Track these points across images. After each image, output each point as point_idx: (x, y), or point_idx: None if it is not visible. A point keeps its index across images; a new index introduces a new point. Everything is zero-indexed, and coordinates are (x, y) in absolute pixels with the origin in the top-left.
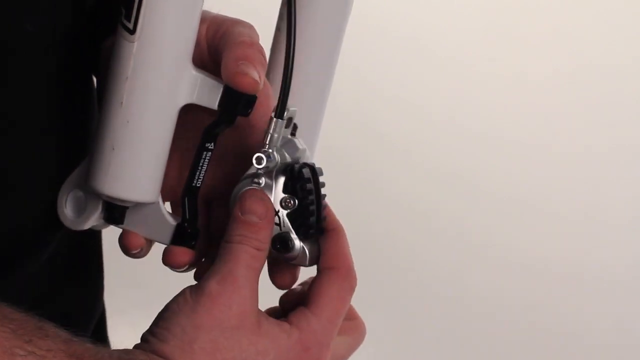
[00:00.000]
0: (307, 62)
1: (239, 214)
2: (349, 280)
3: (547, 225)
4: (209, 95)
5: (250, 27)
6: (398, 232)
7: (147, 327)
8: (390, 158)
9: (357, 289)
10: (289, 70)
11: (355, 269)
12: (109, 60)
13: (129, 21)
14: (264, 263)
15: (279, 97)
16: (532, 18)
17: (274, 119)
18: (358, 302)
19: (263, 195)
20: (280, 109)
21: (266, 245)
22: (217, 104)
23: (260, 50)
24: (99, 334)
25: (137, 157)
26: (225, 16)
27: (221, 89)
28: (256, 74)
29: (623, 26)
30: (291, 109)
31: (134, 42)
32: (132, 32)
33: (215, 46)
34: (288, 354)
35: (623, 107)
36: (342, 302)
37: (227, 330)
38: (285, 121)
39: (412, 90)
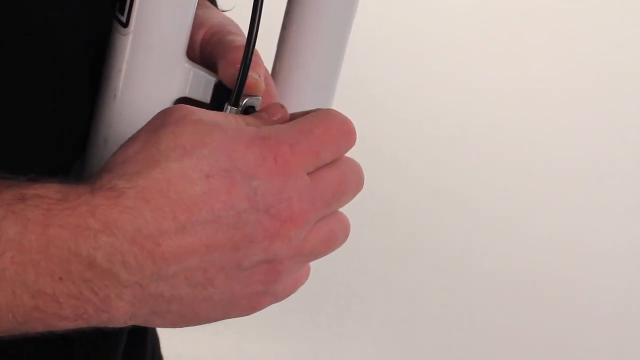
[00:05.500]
0: (311, 62)
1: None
2: (342, 123)
3: (542, 241)
4: (202, 89)
5: (244, 35)
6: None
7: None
8: (386, 169)
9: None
10: (248, 57)
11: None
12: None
13: (122, 14)
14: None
15: (235, 85)
16: (534, 33)
17: (228, 106)
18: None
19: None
20: (235, 97)
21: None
22: (210, 99)
23: (256, 53)
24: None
25: None
26: (223, 23)
27: (214, 84)
28: (255, 74)
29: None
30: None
31: (127, 35)
32: (126, 25)
33: (208, 52)
34: (239, 137)
35: (623, 127)
36: (326, 130)
37: (163, 125)
38: (240, 109)
39: (408, 100)
